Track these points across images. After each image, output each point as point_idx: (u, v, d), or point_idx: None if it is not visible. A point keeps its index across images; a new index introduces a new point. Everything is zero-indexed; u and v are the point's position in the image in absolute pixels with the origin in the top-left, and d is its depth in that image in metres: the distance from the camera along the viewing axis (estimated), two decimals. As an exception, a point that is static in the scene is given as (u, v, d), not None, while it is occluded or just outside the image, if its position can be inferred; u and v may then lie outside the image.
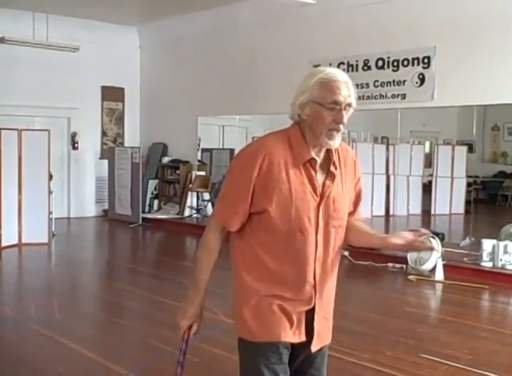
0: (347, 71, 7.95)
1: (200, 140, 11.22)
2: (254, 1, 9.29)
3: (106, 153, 11.58)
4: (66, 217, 11.44)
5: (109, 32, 11.35)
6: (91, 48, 10.94)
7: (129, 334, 4.71)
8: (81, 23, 10.79)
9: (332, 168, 1.92)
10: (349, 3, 7.96)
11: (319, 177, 1.90)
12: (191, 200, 11.00)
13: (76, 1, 9.63)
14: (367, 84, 7.74)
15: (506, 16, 6.66)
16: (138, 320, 5.08)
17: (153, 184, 11.62)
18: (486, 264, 6.52)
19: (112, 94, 11.84)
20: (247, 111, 9.90)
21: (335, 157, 1.93)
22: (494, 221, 9.30)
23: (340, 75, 1.83)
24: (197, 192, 10.75)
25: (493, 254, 6.50)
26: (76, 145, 11.59)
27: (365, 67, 7.83)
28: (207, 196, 10.64)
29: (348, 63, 7.98)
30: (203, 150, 11.42)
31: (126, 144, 11.91)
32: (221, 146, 11.73)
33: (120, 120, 12.11)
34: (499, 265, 6.44)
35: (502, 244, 6.51)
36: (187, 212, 10.99)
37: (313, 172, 1.88)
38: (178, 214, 11.07)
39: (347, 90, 1.82)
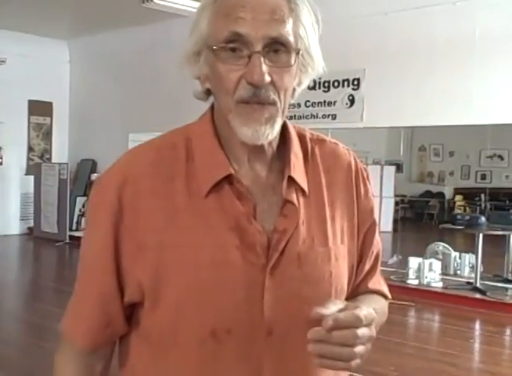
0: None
1: (130, 157, 11.07)
2: (188, 19, 9.27)
3: (32, 169, 11.24)
4: (-11, 235, 11.00)
5: (38, 45, 11.07)
6: (19, 61, 10.64)
7: (53, 357, 4.53)
8: (8, 35, 10.49)
9: (288, 194, 0.98)
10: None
11: (263, 213, 0.96)
12: (121, 217, 10.79)
13: (4, 13, 9.36)
14: (299, 105, 7.84)
15: (432, 41, 6.90)
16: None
17: (81, 201, 11.32)
18: (412, 281, 6.66)
19: (39, 108, 11.52)
20: (155, 130, 9.83)
21: (300, 168, 1.01)
22: (420, 239, 9.56)
23: None
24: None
25: (419, 272, 6.65)
26: (0, 160, 11.21)
27: (297, 87, 7.94)
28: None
29: (280, 82, 8.06)
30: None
31: (54, 160, 11.59)
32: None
33: (47, 135, 11.79)
34: (425, 283, 6.59)
35: (427, 261, 6.68)
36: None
37: (241, 206, 0.95)
38: (107, 232, 10.82)
39: (268, 9, 0.91)
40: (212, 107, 1.03)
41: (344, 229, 1.04)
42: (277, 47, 0.92)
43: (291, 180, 0.99)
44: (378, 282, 1.14)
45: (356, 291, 1.09)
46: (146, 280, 0.94)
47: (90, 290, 1.01)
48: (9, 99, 10.88)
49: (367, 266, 1.10)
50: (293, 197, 0.98)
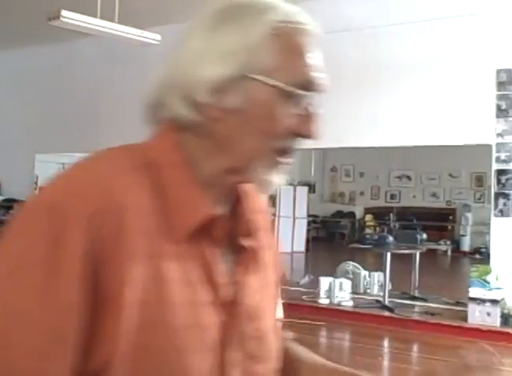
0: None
1: (37, 178, 10.69)
2: (98, 38, 9.12)
3: None
4: None
5: None
6: None
7: None
8: None
9: (245, 240, 0.89)
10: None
11: (225, 263, 0.87)
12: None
13: None
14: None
15: (341, 65, 7.07)
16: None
17: (-15, 225, 10.84)
18: (323, 301, 6.74)
19: None
20: (89, 149, 9.53)
21: (247, 213, 0.92)
22: (332, 258, 9.71)
23: (309, 18, 0.88)
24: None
25: (330, 292, 6.73)
26: None
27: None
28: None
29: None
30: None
31: (-45, 182, 11.04)
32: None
33: (-52, 155, 11.22)
34: (336, 302, 6.68)
35: (338, 281, 6.78)
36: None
37: (214, 254, 0.85)
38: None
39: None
40: (167, 132, 0.86)
41: (271, 274, 0.98)
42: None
43: (244, 224, 0.90)
44: (279, 308, 1.08)
45: None
46: (110, 345, 0.75)
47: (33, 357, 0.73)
48: None
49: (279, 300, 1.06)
50: (250, 244, 0.89)
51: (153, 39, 6.41)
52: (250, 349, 0.87)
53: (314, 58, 0.86)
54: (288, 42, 0.83)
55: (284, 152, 0.85)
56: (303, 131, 0.85)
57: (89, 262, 0.74)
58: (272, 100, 0.82)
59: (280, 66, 0.82)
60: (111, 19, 6.19)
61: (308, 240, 12.07)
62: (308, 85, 0.84)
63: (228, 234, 0.87)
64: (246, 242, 0.89)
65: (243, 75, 0.81)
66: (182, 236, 0.81)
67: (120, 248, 0.75)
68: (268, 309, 0.93)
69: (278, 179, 0.86)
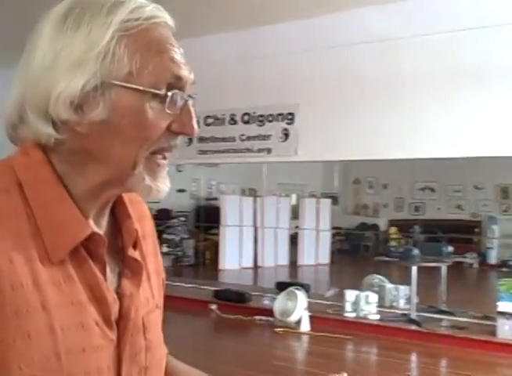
0: (215, 125, 8.05)
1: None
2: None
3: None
4: None
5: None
6: None
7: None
8: None
9: (131, 251, 0.88)
10: (216, 58, 8.11)
11: (108, 274, 0.84)
12: None
13: None
14: (233, 138, 7.85)
15: (361, 78, 7.06)
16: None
17: None
18: (349, 314, 6.67)
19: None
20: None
21: (130, 222, 0.90)
22: (357, 271, 9.64)
23: (162, 11, 0.82)
24: None
25: (356, 305, 6.67)
26: None
27: (232, 121, 7.96)
28: None
29: (215, 116, 8.06)
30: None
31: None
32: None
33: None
34: (362, 315, 6.61)
35: (363, 294, 6.71)
36: None
37: (98, 270, 0.81)
38: None
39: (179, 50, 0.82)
40: (32, 148, 0.80)
41: (154, 282, 0.95)
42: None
43: (129, 234, 0.88)
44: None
45: None
46: None
47: None
48: None
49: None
50: (136, 254, 0.88)
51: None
52: (141, 362, 0.86)
53: (174, 52, 0.80)
54: (142, 41, 0.77)
55: (164, 151, 0.82)
56: (181, 129, 0.81)
57: None
58: (139, 105, 0.77)
59: (139, 68, 0.77)
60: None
61: (332, 253, 12.00)
62: (175, 82, 0.80)
63: (112, 247, 0.85)
64: (133, 253, 0.87)
65: (102, 84, 0.76)
66: (61, 257, 0.77)
67: None
68: (154, 317, 0.92)
69: (162, 184, 0.82)
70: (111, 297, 0.82)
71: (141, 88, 0.77)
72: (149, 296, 0.91)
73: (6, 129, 0.83)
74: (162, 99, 0.78)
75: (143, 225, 0.94)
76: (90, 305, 0.79)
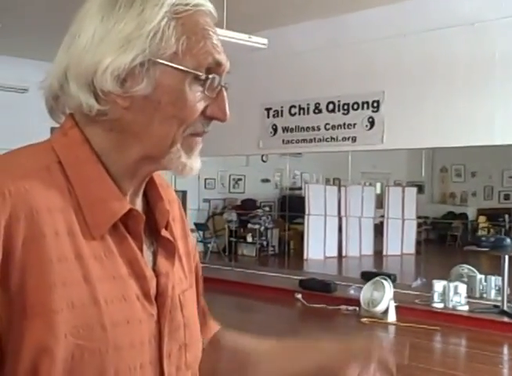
0: (299, 114, 8.05)
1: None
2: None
3: None
4: None
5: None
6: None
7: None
8: (30, 64, 10.65)
9: (164, 232, 0.91)
10: (300, 48, 8.10)
11: (145, 252, 0.88)
12: None
13: (26, 42, 9.53)
14: (318, 127, 7.83)
15: (451, 63, 6.87)
16: None
17: None
18: (437, 305, 6.54)
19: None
20: (200, 154, 9.87)
21: (162, 203, 0.93)
22: (444, 261, 9.43)
23: (207, 1, 0.86)
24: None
25: (444, 295, 6.54)
26: None
27: (317, 111, 7.93)
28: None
29: (300, 106, 8.06)
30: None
31: None
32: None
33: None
34: (450, 306, 6.47)
35: (452, 284, 6.56)
36: None
37: (136, 247, 0.85)
38: None
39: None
40: (72, 126, 0.85)
41: (185, 264, 0.98)
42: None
43: (162, 214, 0.91)
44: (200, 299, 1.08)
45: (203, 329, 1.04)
46: (44, 334, 0.74)
47: None
48: (30, 127, 11.02)
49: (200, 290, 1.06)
50: (168, 235, 0.91)
51: (261, 43, 6.50)
52: (180, 339, 0.89)
53: (217, 39, 0.85)
54: (189, 25, 0.82)
55: (198, 135, 0.86)
56: (215, 113, 0.85)
57: (6, 271, 0.73)
58: (180, 85, 0.81)
59: (184, 50, 0.81)
60: (220, 26, 6.35)
61: (418, 243, 11.77)
62: (214, 67, 0.84)
63: (147, 227, 0.87)
64: (166, 233, 0.91)
65: (148, 61, 0.80)
66: (102, 232, 0.81)
67: (40, 253, 0.75)
68: (189, 296, 0.94)
69: (195, 162, 0.87)
70: (149, 273, 0.86)
71: (184, 68, 0.81)
72: (181, 276, 0.94)
73: (46, 100, 0.88)
74: (202, 81, 0.82)
75: (172, 209, 0.97)
76: (130, 280, 0.83)
